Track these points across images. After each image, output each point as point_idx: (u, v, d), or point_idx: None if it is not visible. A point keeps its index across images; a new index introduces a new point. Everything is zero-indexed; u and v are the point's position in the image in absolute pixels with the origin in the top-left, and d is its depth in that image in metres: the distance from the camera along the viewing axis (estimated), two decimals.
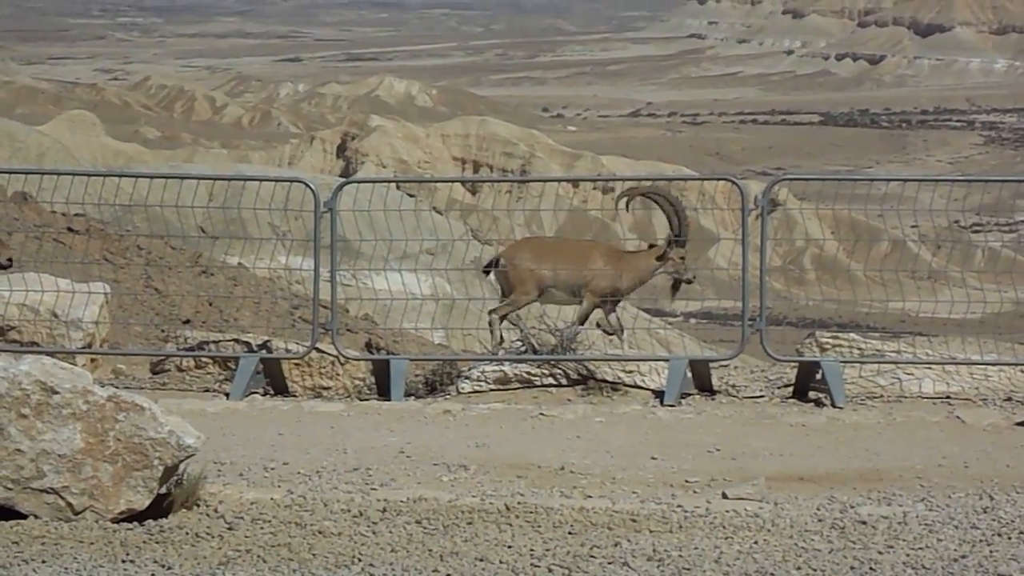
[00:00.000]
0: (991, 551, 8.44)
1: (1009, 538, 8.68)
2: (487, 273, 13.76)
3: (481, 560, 8.36)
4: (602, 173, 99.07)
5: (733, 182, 13.57)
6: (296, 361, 13.52)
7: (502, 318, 13.55)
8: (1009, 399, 12.77)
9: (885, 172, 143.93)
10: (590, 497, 9.68)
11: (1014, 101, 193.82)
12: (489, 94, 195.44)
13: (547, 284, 13.65)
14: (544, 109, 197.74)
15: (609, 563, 8.32)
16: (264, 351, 13.55)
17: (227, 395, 13.13)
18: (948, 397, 12.86)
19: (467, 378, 13.42)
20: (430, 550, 8.54)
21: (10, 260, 13.08)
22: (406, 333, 21.14)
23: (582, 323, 13.55)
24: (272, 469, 10.36)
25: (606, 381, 13.22)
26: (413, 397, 13.21)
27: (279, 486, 9.88)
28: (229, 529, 8.85)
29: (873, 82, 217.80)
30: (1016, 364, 13.14)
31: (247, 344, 13.70)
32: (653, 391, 13.03)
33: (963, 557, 8.34)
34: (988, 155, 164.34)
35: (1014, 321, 15.90)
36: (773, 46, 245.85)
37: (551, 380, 13.33)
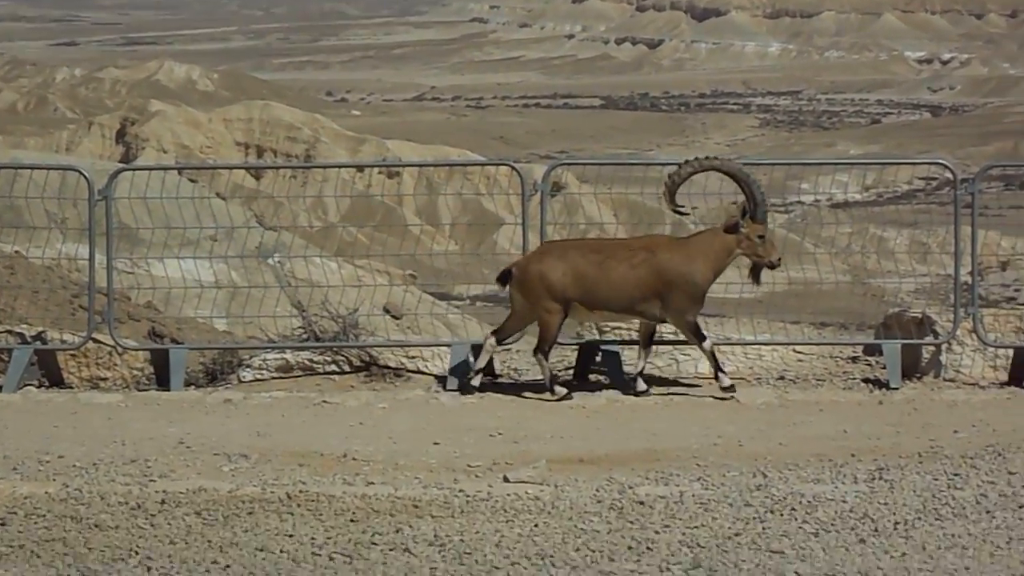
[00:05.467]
0: (764, 528, 8.64)
1: (781, 515, 8.89)
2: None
3: (261, 550, 8.31)
4: (387, 158, 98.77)
5: (512, 167, 13.64)
6: (72, 352, 13.27)
7: None
8: (782, 378, 13.07)
9: (665, 155, 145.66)
10: (372, 484, 9.68)
11: (788, 84, 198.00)
12: (272, 78, 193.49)
13: None
14: (328, 93, 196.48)
15: (391, 549, 8.33)
16: (38, 342, 13.27)
17: None
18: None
19: (248, 367, 13.31)
20: (209, 541, 8.46)
21: None
22: (190, 322, 20.87)
23: None
24: (47, 462, 10.16)
25: (389, 367, 13.22)
26: (193, 387, 13.06)
27: (54, 480, 9.70)
28: (1, 524, 8.66)
29: (652, 66, 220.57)
30: (788, 344, 13.47)
31: (20, 335, 13.39)
32: (436, 376, 13.07)
33: (737, 535, 8.52)
34: (764, 137, 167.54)
35: (788, 300, 16.26)
36: (554, 30, 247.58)
37: (333, 367, 13.30)
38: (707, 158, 12.28)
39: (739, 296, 13.87)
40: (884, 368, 12.87)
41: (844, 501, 9.12)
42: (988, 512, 8.85)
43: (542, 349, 12.29)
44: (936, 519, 8.75)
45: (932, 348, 13.11)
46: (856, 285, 16.79)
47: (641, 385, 12.35)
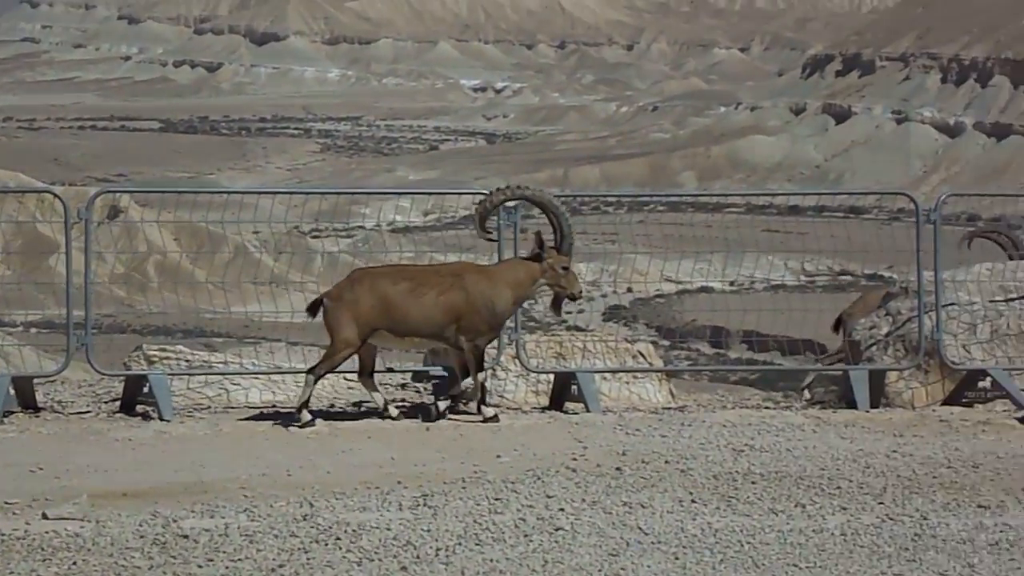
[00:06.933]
0: (308, 558, 8.64)
1: (326, 544, 8.91)
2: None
3: None
4: None
5: (54, 194, 13.29)
6: None
7: None
8: (332, 406, 13.14)
9: (227, 179, 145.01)
10: None
11: (348, 110, 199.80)
12: None
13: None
14: None
15: None
16: None
17: None
18: (275, 406, 13.09)
19: None
20: None
21: None
22: None
23: None
24: None
25: None
26: None
27: None
28: None
29: (212, 89, 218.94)
30: (339, 371, 13.50)
31: None
32: None
33: (281, 567, 8.49)
34: (325, 162, 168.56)
35: None
36: (110, 51, 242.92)
37: None
38: (518, 187, 12.34)
39: (303, 321, 13.84)
40: (432, 394, 13.06)
41: (388, 528, 9.21)
42: (526, 536, 9.08)
43: (317, 372, 12.13)
44: (476, 544, 8.93)
45: None
46: None
47: (489, 411, 12.38)
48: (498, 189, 12.32)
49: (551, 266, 12.21)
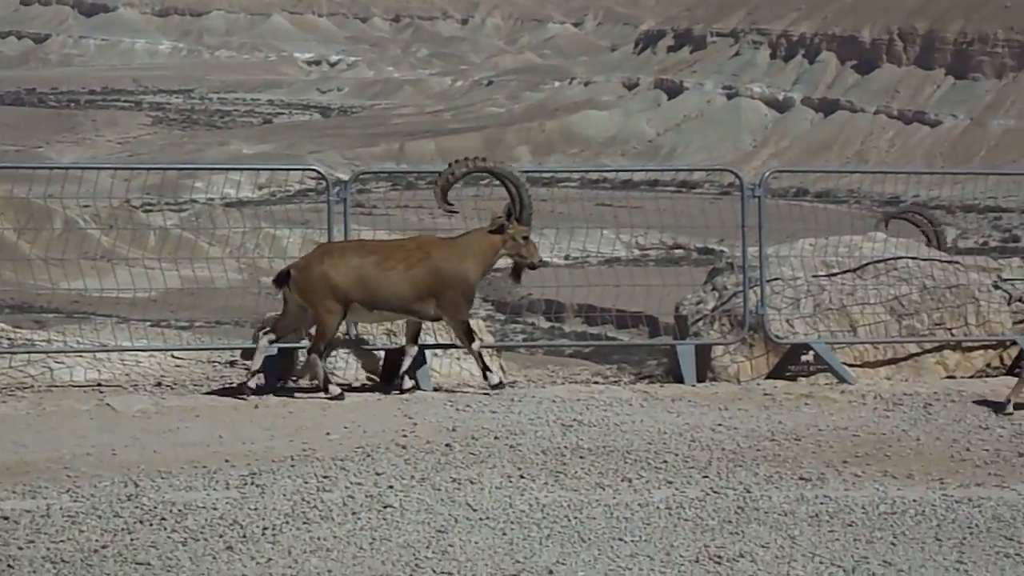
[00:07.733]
0: (132, 539, 8.54)
1: (151, 525, 8.81)
2: None
3: None
4: None
5: None
6: None
7: None
8: (159, 384, 12.97)
9: (55, 152, 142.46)
10: None
11: (180, 82, 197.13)
12: None
13: None
14: None
15: None
16: None
17: None
18: (100, 384, 12.90)
19: None
20: None
21: None
22: None
23: None
24: None
25: None
26: None
27: None
28: None
29: (39, 61, 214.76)
30: (165, 349, 13.39)
31: None
32: None
33: (104, 547, 8.38)
34: (157, 135, 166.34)
35: (183, 299, 16.24)
36: None
37: None
38: (477, 159, 12.38)
39: (133, 296, 13.64)
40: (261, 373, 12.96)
41: (215, 508, 9.13)
42: (354, 513, 9.06)
43: (317, 349, 12.16)
44: (304, 523, 8.89)
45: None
46: (251, 284, 16.95)
47: (407, 383, 12.46)
48: (457, 161, 12.44)
49: (512, 236, 12.40)
